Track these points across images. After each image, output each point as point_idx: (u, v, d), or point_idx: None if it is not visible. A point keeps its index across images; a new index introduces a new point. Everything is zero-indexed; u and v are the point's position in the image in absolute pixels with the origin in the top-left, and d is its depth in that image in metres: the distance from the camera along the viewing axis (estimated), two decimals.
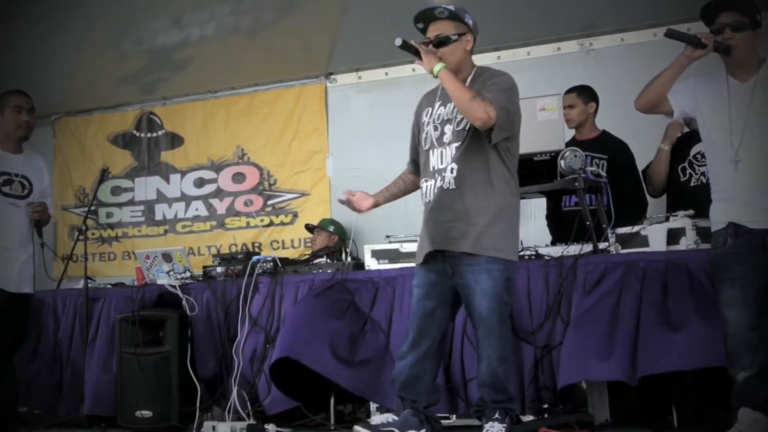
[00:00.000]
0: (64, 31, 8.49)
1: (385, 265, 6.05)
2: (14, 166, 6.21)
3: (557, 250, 5.67)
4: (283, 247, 8.60)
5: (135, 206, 9.40)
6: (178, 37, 8.65)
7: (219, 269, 6.58)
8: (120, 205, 9.44)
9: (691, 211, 5.41)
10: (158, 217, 9.29)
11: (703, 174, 6.06)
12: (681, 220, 5.38)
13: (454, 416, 5.63)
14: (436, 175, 4.86)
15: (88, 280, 6.87)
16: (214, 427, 5.97)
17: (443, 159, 4.85)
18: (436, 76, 4.76)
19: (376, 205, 5.36)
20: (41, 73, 8.91)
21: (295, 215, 8.72)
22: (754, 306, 4.47)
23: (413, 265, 5.85)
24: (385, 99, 8.31)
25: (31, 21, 8.40)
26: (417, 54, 4.79)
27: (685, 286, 5.15)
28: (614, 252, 5.52)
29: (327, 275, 6.14)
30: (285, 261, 6.51)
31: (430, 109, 5.01)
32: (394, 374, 4.95)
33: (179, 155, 9.28)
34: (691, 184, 6.15)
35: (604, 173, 5.98)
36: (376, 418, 5.05)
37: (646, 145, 6.52)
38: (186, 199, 9.18)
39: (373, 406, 5.88)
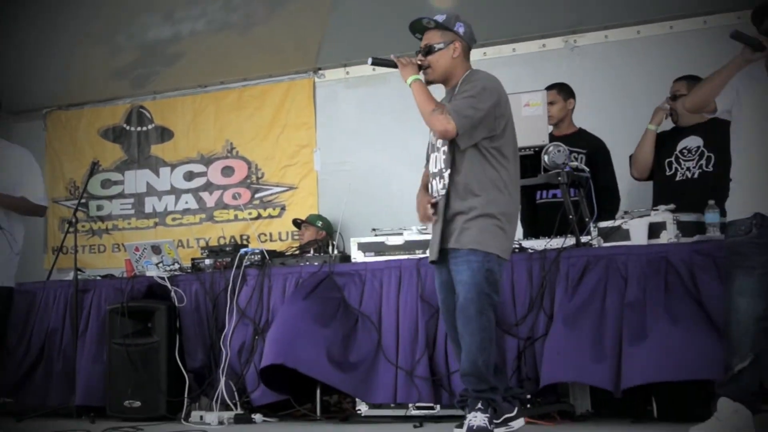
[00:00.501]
0: (56, 25, 8.51)
1: (372, 258, 6.12)
2: None
3: (540, 244, 5.75)
4: (271, 240, 8.64)
5: (125, 199, 9.43)
6: (170, 32, 8.67)
7: (207, 261, 6.65)
8: (110, 197, 9.47)
9: (672, 206, 5.46)
10: (148, 209, 9.32)
11: (688, 169, 6.13)
12: (662, 214, 5.43)
13: (438, 406, 5.70)
14: (437, 177, 5.04)
15: (78, 272, 6.91)
16: (201, 417, 6.05)
17: (437, 163, 5.04)
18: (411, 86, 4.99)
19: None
20: (33, 67, 8.96)
21: (283, 208, 8.77)
22: (766, 297, 4.57)
23: (399, 257, 6.00)
24: (373, 94, 8.36)
25: (23, 16, 8.42)
26: (395, 66, 5.05)
27: (662, 285, 5.24)
28: (596, 245, 5.59)
29: (314, 268, 6.21)
30: (273, 253, 6.58)
31: None
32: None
33: (169, 149, 9.31)
34: (677, 178, 6.18)
35: (586, 167, 6.06)
36: None
37: (626, 140, 6.58)
38: (175, 192, 9.22)
39: None
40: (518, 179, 5.05)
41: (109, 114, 9.57)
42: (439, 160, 5.02)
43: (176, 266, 6.70)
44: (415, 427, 5.48)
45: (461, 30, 5.06)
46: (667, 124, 6.33)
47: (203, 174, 9.15)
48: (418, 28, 5.09)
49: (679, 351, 4.97)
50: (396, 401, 5.76)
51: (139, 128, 9.43)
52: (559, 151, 5.82)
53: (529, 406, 5.31)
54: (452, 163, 4.91)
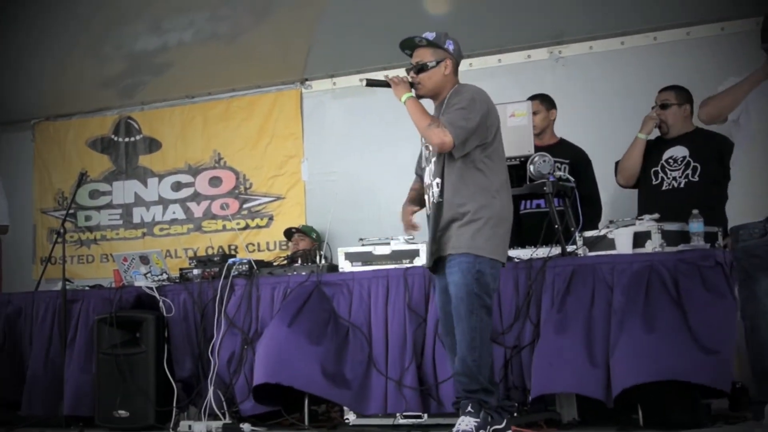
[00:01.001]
0: (44, 36, 8.53)
1: (359, 268, 6.14)
2: None
3: (526, 253, 5.78)
4: (259, 250, 8.66)
5: (113, 209, 9.44)
6: (158, 43, 8.69)
7: (195, 271, 6.66)
8: (98, 208, 9.48)
9: (656, 215, 5.50)
10: (136, 220, 9.34)
11: (675, 179, 6.18)
12: (647, 223, 5.46)
13: (426, 415, 5.72)
14: (429, 190, 5.17)
15: (67, 282, 6.92)
16: (190, 426, 6.07)
17: (429, 175, 5.17)
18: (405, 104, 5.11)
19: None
20: (21, 77, 8.98)
21: (271, 218, 8.80)
22: None
23: (386, 267, 6.02)
24: (359, 105, 8.36)
25: (11, 26, 8.44)
26: (388, 86, 5.18)
27: (647, 293, 5.28)
28: (582, 254, 5.62)
29: (302, 277, 6.23)
30: (260, 263, 6.60)
31: None
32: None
33: (157, 159, 9.33)
34: (663, 188, 6.23)
35: (571, 177, 6.11)
36: None
37: (611, 150, 6.63)
38: (163, 202, 9.24)
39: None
40: (509, 184, 5.18)
41: (97, 125, 9.58)
42: (431, 171, 5.14)
43: (164, 276, 6.71)
44: None
45: (451, 47, 5.20)
46: (653, 133, 6.38)
47: (191, 184, 9.16)
48: (409, 45, 5.21)
49: (662, 357, 5.02)
50: (387, 412, 5.79)
51: (127, 139, 9.44)
52: (544, 161, 5.86)
53: (516, 414, 5.33)
54: (444, 172, 5.03)
